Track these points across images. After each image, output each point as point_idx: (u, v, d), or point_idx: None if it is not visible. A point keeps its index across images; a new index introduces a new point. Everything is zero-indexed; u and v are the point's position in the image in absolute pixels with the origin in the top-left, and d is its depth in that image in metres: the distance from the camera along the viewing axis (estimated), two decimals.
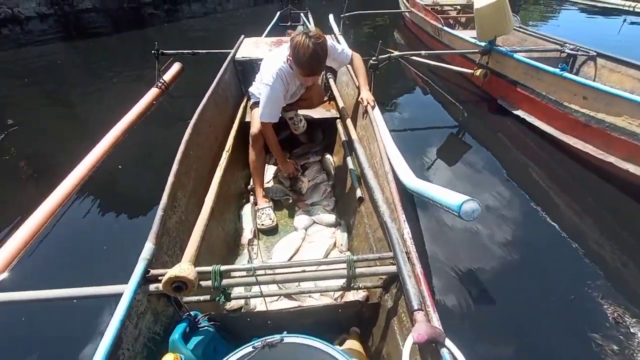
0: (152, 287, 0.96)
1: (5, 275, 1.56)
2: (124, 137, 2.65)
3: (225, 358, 0.89)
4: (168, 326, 1.05)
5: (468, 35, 3.57)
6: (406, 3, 5.46)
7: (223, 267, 0.98)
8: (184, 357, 0.93)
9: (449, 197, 1.17)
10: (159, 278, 0.97)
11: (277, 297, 1.30)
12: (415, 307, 0.83)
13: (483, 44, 3.10)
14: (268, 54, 1.85)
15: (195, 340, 1.00)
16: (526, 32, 3.67)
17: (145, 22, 7.32)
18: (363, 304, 1.16)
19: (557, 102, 2.66)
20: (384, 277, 1.13)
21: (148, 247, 1.00)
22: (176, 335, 0.96)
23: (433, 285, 1.57)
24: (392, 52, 3.13)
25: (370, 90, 1.98)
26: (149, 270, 0.97)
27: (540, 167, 2.51)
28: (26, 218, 1.80)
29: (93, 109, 3.59)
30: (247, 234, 1.71)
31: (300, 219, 1.78)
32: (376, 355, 1.13)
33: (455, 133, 3.05)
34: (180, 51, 3.28)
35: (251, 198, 1.92)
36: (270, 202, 1.86)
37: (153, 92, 3.16)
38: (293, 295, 1.30)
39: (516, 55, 2.92)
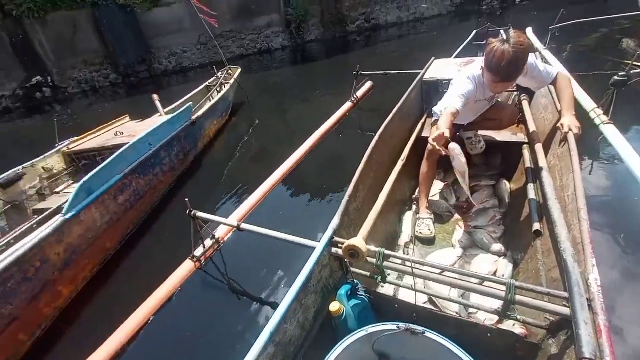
0: (334, 249, 1.30)
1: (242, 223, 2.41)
2: (321, 140, 3.39)
3: (373, 325, 1.10)
4: (337, 283, 1.37)
5: None
6: None
7: (386, 251, 1.19)
8: (345, 309, 1.22)
9: None
10: (339, 245, 1.30)
11: (424, 297, 1.41)
12: (586, 356, 0.76)
13: None
14: (458, 73, 1.88)
15: (353, 301, 1.27)
16: None
17: (350, 48, 8.72)
18: (518, 339, 1.09)
19: None
20: (550, 317, 1.03)
21: (335, 221, 1.35)
22: (342, 291, 1.26)
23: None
24: None
25: (607, 113, 1.69)
26: (334, 237, 1.31)
27: None
28: (259, 185, 2.67)
29: (303, 114, 4.73)
30: (404, 237, 1.88)
31: (461, 238, 1.78)
32: None
33: None
34: (374, 72, 3.82)
35: (414, 207, 2.07)
36: (432, 215, 1.95)
37: (347, 105, 3.85)
38: (442, 301, 1.37)
39: None
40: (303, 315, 1.17)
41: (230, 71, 4.93)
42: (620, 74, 2.33)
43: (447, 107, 1.56)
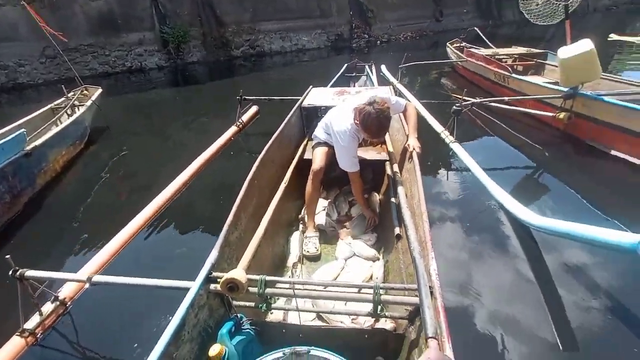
0: (212, 286, 1.20)
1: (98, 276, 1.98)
2: (205, 167, 3.18)
3: (259, 358, 1.05)
4: (218, 322, 1.26)
5: (540, 80, 3.94)
6: (459, 53, 6.00)
7: (268, 278, 1.17)
8: (228, 350, 1.12)
9: (612, 236, 1.31)
10: (218, 280, 1.21)
11: (311, 315, 1.43)
12: (430, 335, 0.90)
13: (565, 89, 3.21)
14: (335, 109, 2.10)
15: (237, 338, 1.19)
16: (612, 78, 3.64)
17: (235, 72, 8.69)
18: (389, 334, 1.22)
19: None
20: (409, 308, 1.19)
21: (213, 254, 1.26)
22: (224, 330, 1.16)
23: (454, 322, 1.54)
24: (470, 100, 3.31)
25: (452, 133, 2.15)
26: (212, 273, 1.21)
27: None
28: (121, 229, 2.22)
29: (184, 139, 4.38)
30: (292, 258, 1.91)
31: (342, 250, 1.92)
32: None
33: (535, 174, 3.09)
34: (258, 97, 3.89)
35: (300, 226, 2.14)
36: (318, 232, 2.05)
37: (232, 129, 3.77)
38: (325, 316, 1.42)
39: (608, 99, 2.98)
40: None
41: (86, 91, 4.19)
42: (456, 104, 3.13)
43: (351, 171, 1.91)
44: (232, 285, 1.11)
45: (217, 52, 9.28)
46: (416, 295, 1.11)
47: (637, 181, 2.71)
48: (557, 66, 4.68)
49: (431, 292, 1.06)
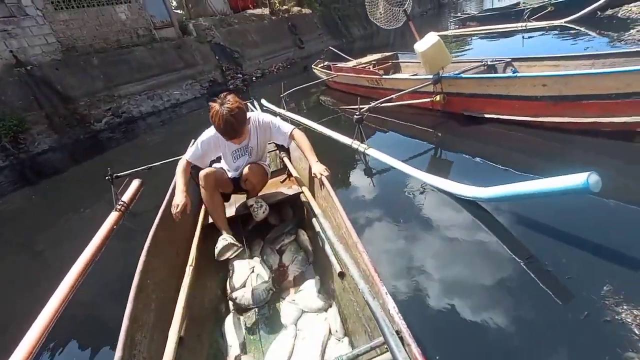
0: None
1: None
2: (88, 270, 2.44)
3: None
4: None
5: (406, 75, 4.62)
6: (327, 71, 6.54)
7: None
8: None
9: (562, 181, 1.48)
10: None
11: None
12: None
13: (431, 76, 3.71)
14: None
15: None
16: (457, 60, 4.41)
17: (105, 147, 7.50)
18: None
19: (521, 96, 3.12)
20: None
21: None
22: None
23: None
24: (365, 106, 3.58)
25: (362, 141, 2.31)
26: None
27: (530, 145, 2.98)
28: None
29: (61, 245, 3.39)
30: (234, 350, 1.51)
31: (288, 314, 1.61)
32: None
33: (435, 153, 3.40)
34: (134, 170, 3.29)
35: (231, 306, 1.75)
36: (231, 236, 1.83)
37: (113, 216, 3.06)
38: None
39: (465, 75, 3.60)
40: None
41: None
42: (357, 114, 3.32)
43: (189, 159, 1.91)
44: None
45: (73, 132, 7.89)
46: (384, 351, 0.90)
47: (514, 132, 3.23)
48: (410, 62, 5.50)
49: (401, 339, 0.87)
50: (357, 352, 0.91)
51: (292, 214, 2.37)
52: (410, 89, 3.90)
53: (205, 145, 1.88)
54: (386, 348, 0.90)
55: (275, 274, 1.95)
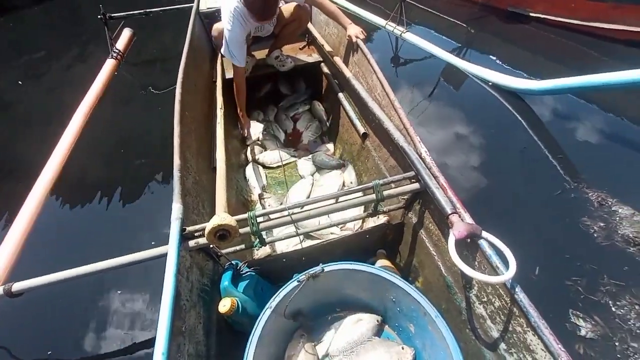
0: (191, 243, 0.97)
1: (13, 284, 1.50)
2: (88, 119, 2.41)
3: (277, 293, 0.95)
4: (213, 277, 1.09)
5: None
6: None
7: (258, 212, 1.00)
8: (238, 299, 0.99)
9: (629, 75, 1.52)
10: (196, 234, 0.99)
11: (310, 235, 1.36)
12: (449, 212, 0.91)
13: None
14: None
15: (242, 284, 1.06)
16: None
17: None
18: (388, 226, 1.24)
19: None
20: (405, 197, 1.20)
21: (177, 208, 1.00)
22: (225, 282, 1.00)
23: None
24: None
25: (402, 24, 2.21)
26: (185, 229, 0.97)
27: (570, 55, 2.75)
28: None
29: (45, 97, 3.20)
30: (256, 190, 1.72)
31: (305, 168, 1.80)
32: (406, 267, 1.25)
33: (460, 52, 3.00)
34: (129, 13, 2.92)
35: (250, 157, 1.90)
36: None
37: (109, 63, 2.87)
38: (320, 233, 1.37)
39: None
40: (191, 344, 0.86)
41: None
42: None
43: (236, 65, 1.64)
44: (223, 233, 0.91)
45: None
46: (413, 182, 1.09)
47: (559, 38, 2.97)
48: None
49: (431, 173, 1.05)
50: (391, 179, 1.08)
51: (305, 86, 2.35)
52: None
53: (240, 37, 1.60)
54: (413, 180, 1.08)
55: (290, 138, 2.07)
